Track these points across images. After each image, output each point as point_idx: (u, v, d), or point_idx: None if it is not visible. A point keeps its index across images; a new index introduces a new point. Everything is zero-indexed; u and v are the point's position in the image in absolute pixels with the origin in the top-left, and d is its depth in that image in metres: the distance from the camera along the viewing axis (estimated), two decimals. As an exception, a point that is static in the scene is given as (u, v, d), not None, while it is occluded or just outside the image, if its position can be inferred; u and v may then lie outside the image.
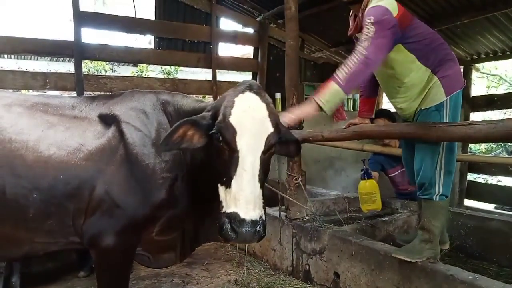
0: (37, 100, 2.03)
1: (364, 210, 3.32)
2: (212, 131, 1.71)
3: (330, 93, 2.12)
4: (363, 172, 3.30)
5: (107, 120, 2.03)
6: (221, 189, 1.72)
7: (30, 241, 1.88)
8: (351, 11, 2.57)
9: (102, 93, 2.29)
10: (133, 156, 1.96)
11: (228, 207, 1.63)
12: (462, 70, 5.41)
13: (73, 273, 3.63)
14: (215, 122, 1.72)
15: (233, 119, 1.68)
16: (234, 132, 1.66)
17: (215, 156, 1.77)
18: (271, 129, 1.70)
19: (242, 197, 1.59)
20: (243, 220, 1.56)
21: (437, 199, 2.38)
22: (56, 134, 1.91)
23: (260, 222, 1.59)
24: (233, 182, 1.64)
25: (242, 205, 1.58)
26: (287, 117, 2.12)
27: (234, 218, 1.57)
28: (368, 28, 2.14)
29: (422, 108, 2.36)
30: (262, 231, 1.62)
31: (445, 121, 2.29)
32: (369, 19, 2.15)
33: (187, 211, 2.10)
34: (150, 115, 2.09)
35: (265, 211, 1.70)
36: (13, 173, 1.78)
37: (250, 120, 1.67)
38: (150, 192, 1.96)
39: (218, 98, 2.04)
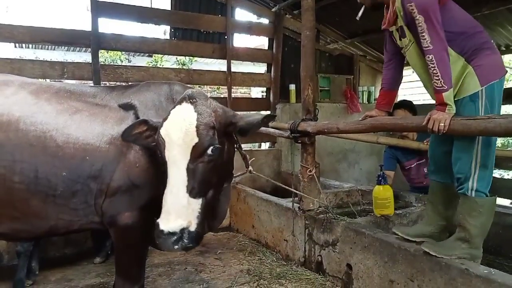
0: (60, 87, 2.16)
1: (377, 214, 3.32)
2: (151, 143, 1.85)
3: (448, 99, 2.14)
4: (379, 177, 3.31)
5: (126, 108, 2.17)
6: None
7: (56, 217, 2.00)
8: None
9: (119, 84, 2.39)
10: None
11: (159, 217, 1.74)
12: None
13: (89, 259, 3.72)
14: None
15: (162, 131, 1.79)
16: (163, 143, 1.77)
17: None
18: (196, 139, 1.74)
19: (164, 208, 1.71)
20: (161, 230, 1.68)
21: (473, 195, 2.27)
22: (81, 118, 2.05)
23: (182, 233, 1.68)
24: (165, 191, 1.76)
25: (162, 216, 1.70)
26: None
27: (156, 227, 1.70)
28: (417, 20, 2.11)
29: (456, 99, 2.24)
30: (188, 242, 1.70)
31: (480, 113, 2.20)
32: (411, 6, 2.12)
33: None
34: (165, 104, 2.24)
35: (200, 222, 1.76)
36: (46, 152, 1.92)
37: (177, 132, 1.74)
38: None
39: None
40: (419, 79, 2.48)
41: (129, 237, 2.09)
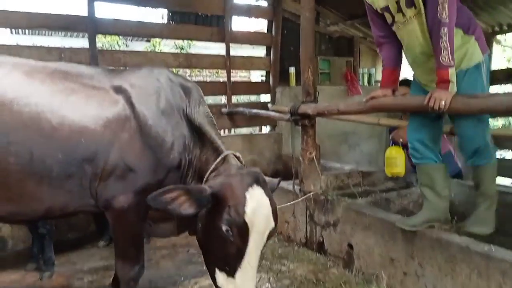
0: (56, 67, 2.12)
1: (388, 174, 3.40)
2: (224, 227, 1.75)
3: (453, 76, 2.13)
4: (391, 140, 3.44)
5: (123, 92, 2.14)
6: (221, 275, 1.84)
7: (51, 199, 1.99)
8: None
9: (118, 68, 2.39)
10: (147, 126, 2.10)
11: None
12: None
13: (93, 242, 3.76)
14: (226, 216, 1.76)
15: (247, 218, 1.74)
16: (247, 230, 1.74)
17: (215, 241, 1.82)
18: (273, 224, 1.82)
19: None
20: None
21: (492, 162, 2.41)
22: (77, 100, 2.02)
23: None
24: (237, 274, 1.77)
25: None
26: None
27: None
28: None
29: (464, 69, 2.26)
30: None
31: (483, 79, 2.27)
32: None
33: None
34: (163, 90, 2.23)
35: None
36: (41, 134, 1.89)
37: (260, 219, 1.76)
38: (163, 157, 2.12)
39: (219, 168, 2.08)
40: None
41: (125, 220, 2.09)
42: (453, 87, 2.10)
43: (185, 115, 2.29)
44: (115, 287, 2.56)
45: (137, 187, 2.05)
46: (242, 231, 1.74)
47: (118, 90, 2.13)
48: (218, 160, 2.07)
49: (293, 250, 3.50)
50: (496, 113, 2.17)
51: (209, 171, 2.07)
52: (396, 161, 3.35)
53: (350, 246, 3.06)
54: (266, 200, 1.81)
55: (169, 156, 2.14)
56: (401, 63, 2.66)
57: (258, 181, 1.85)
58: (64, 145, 1.93)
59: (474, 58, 2.26)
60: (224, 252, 1.79)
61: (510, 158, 6.74)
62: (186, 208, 1.78)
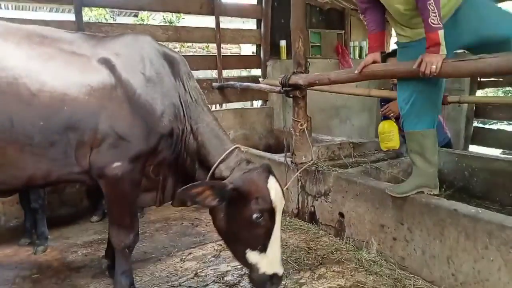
0: (31, 30, 2.02)
1: (383, 148, 3.43)
2: (255, 215, 1.99)
3: (442, 38, 2.10)
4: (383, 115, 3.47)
5: (108, 61, 2.07)
6: (253, 254, 2.05)
7: (33, 167, 1.95)
8: None
9: (99, 34, 2.28)
10: (136, 95, 2.07)
11: (268, 269, 2.05)
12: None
13: (86, 218, 3.77)
14: (256, 206, 1.99)
15: (274, 204, 2.04)
16: (274, 213, 2.04)
17: (247, 227, 2.03)
18: (284, 202, 2.16)
19: (278, 261, 2.09)
20: (281, 276, 2.10)
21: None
22: (57, 66, 1.95)
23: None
24: (268, 249, 2.04)
25: (279, 267, 2.08)
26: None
27: (276, 276, 2.06)
28: None
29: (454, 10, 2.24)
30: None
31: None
32: None
33: (175, 164, 2.32)
34: (148, 56, 2.18)
35: None
36: (19, 100, 1.83)
37: (279, 202, 2.07)
38: (154, 125, 2.11)
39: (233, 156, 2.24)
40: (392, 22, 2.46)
41: (118, 187, 2.09)
42: (443, 50, 2.09)
43: (175, 86, 2.26)
44: (108, 258, 2.60)
45: (130, 154, 2.05)
46: (271, 215, 2.03)
47: (102, 59, 2.06)
48: (226, 152, 2.20)
49: (285, 221, 3.53)
50: (485, 75, 2.16)
51: (217, 162, 2.18)
52: (389, 135, 3.37)
53: (341, 214, 3.10)
54: (279, 186, 2.11)
55: (160, 124, 2.13)
56: (384, 26, 2.63)
57: (271, 172, 2.13)
58: (45, 112, 1.87)
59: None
60: (256, 235, 2.03)
61: (499, 128, 6.82)
62: (210, 201, 1.95)
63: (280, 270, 2.07)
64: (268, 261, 2.03)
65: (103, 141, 1.99)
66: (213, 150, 2.24)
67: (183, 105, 2.28)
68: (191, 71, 2.45)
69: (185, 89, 2.32)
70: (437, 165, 2.56)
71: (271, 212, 2.02)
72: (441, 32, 2.06)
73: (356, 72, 2.67)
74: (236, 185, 2.01)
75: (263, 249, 2.03)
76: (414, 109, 2.43)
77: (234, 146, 2.25)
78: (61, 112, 1.90)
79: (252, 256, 2.04)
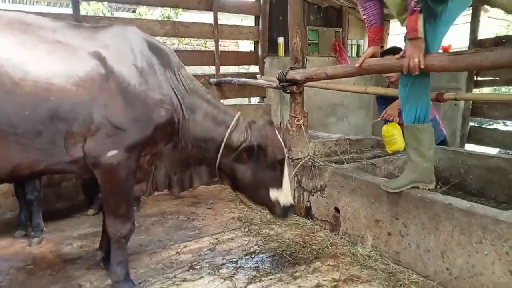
0: (13, 17, 1.97)
1: (388, 151, 3.42)
2: (276, 162, 2.49)
3: (420, 21, 2.11)
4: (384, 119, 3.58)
5: (97, 51, 2.04)
6: (273, 191, 2.51)
7: (19, 157, 1.92)
8: None
9: (84, 24, 2.24)
10: (130, 86, 2.06)
11: (286, 201, 2.54)
12: (470, 11, 5.23)
13: (82, 211, 3.76)
14: (277, 158, 2.48)
15: (285, 151, 2.58)
16: (285, 158, 2.57)
17: (269, 172, 2.49)
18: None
19: (290, 193, 2.61)
20: (293, 205, 2.69)
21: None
22: (41, 55, 1.91)
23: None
24: (284, 185, 2.53)
25: (291, 198, 2.62)
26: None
27: (291, 206, 2.60)
28: None
29: None
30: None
31: None
32: None
33: (171, 153, 2.38)
34: (138, 48, 2.17)
35: None
36: (1, 89, 1.79)
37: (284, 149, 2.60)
38: (149, 115, 2.11)
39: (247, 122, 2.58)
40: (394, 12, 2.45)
41: (115, 176, 2.08)
42: (421, 33, 2.08)
43: (167, 77, 2.27)
44: (102, 250, 2.59)
45: (126, 144, 2.05)
46: (284, 160, 2.53)
47: (92, 51, 2.03)
48: (234, 121, 2.45)
49: (281, 216, 3.54)
50: (482, 69, 2.16)
51: (230, 128, 2.43)
52: (392, 138, 3.33)
53: (337, 210, 3.11)
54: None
55: (156, 114, 2.12)
56: (383, 21, 2.66)
57: (274, 124, 2.59)
58: (30, 102, 1.83)
59: None
60: (276, 175, 2.50)
61: (495, 127, 6.85)
62: (245, 159, 2.43)
63: (292, 201, 2.62)
64: (284, 195, 2.52)
65: (98, 131, 1.99)
66: (214, 131, 2.43)
67: (177, 95, 2.28)
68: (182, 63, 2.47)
69: (177, 79, 2.33)
70: (433, 160, 2.57)
71: (284, 158, 2.52)
72: (420, 16, 2.06)
73: (356, 65, 2.68)
74: (259, 143, 2.43)
75: (279, 185, 2.50)
76: (410, 100, 2.44)
77: (238, 114, 2.53)
78: (47, 102, 1.87)
79: (273, 193, 2.50)
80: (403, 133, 2.72)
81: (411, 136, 2.51)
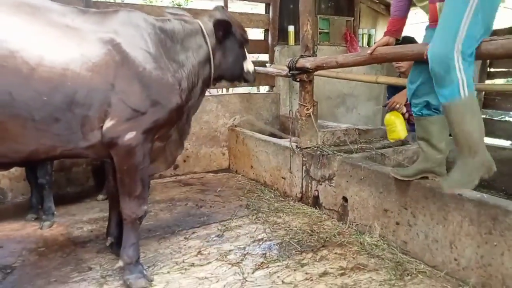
0: (20, 1, 1.92)
1: (389, 139, 3.40)
2: (242, 38, 2.71)
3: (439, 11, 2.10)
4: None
5: (110, 38, 2.04)
6: (245, 62, 2.78)
7: (37, 143, 1.94)
8: None
9: (90, 9, 2.21)
10: (146, 71, 2.09)
11: (252, 68, 2.85)
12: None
13: (92, 196, 3.80)
14: (242, 34, 2.71)
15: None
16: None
17: (239, 49, 2.71)
18: None
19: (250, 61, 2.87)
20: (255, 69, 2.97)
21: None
22: (54, 40, 1.89)
23: None
24: (247, 55, 2.82)
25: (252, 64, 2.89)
26: None
27: (255, 69, 2.91)
28: None
29: None
30: None
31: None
32: None
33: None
34: (147, 33, 2.19)
35: None
36: (18, 74, 1.78)
37: None
38: (165, 98, 2.18)
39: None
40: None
41: (131, 157, 2.12)
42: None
43: (178, 60, 2.32)
44: (111, 236, 2.61)
45: (144, 126, 2.11)
46: (247, 34, 2.79)
47: (105, 37, 2.03)
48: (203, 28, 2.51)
49: (289, 204, 3.56)
50: (496, 57, 2.12)
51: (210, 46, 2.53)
52: (392, 126, 3.31)
53: (345, 199, 3.11)
54: None
55: (172, 97, 2.21)
56: (408, 13, 2.57)
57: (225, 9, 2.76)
58: (47, 87, 1.84)
59: None
60: (243, 51, 2.76)
61: (508, 119, 6.75)
62: (220, 38, 2.54)
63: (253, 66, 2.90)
64: (249, 63, 2.82)
65: (116, 115, 2.03)
66: (206, 65, 2.54)
67: (187, 77, 2.36)
68: None
69: (187, 59, 2.39)
70: (446, 152, 2.51)
71: (245, 31, 2.78)
72: (438, 4, 2.02)
73: (368, 52, 2.63)
74: (235, 25, 2.64)
75: (246, 57, 2.79)
76: (420, 91, 2.41)
77: (199, 22, 2.53)
78: (64, 87, 1.87)
79: (245, 65, 2.79)
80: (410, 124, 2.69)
81: (421, 128, 2.49)
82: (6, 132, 1.84)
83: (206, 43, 2.48)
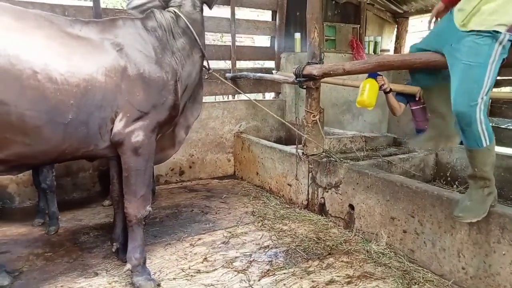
0: (36, 14, 2.07)
1: (357, 105, 3.27)
2: None
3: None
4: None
5: (116, 43, 2.21)
6: None
7: (65, 145, 2.08)
8: None
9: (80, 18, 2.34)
10: (145, 73, 2.25)
11: None
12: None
13: (98, 202, 3.82)
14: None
15: None
16: None
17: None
18: None
19: None
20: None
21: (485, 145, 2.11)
22: (74, 48, 2.06)
23: None
24: None
25: None
26: None
27: None
28: None
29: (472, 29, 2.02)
30: None
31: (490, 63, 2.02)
32: None
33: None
34: (145, 36, 2.35)
35: None
36: (51, 80, 1.93)
37: None
38: (167, 98, 2.33)
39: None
40: None
41: (137, 156, 2.23)
42: None
43: (174, 60, 2.44)
44: (116, 242, 2.62)
45: (149, 125, 2.26)
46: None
47: (112, 42, 2.20)
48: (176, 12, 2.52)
49: (295, 211, 3.55)
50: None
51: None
52: (364, 90, 3.16)
53: (351, 207, 3.10)
54: None
55: (172, 97, 2.36)
56: None
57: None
58: (74, 92, 2.01)
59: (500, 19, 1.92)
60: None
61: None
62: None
63: None
64: None
65: (124, 115, 2.18)
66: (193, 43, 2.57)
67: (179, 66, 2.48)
68: None
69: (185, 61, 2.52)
70: (451, 121, 2.41)
71: None
72: None
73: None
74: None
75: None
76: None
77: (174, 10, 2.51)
78: (87, 91, 2.05)
79: None
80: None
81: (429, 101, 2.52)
82: (40, 136, 1.99)
83: (187, 25, 2.49)
